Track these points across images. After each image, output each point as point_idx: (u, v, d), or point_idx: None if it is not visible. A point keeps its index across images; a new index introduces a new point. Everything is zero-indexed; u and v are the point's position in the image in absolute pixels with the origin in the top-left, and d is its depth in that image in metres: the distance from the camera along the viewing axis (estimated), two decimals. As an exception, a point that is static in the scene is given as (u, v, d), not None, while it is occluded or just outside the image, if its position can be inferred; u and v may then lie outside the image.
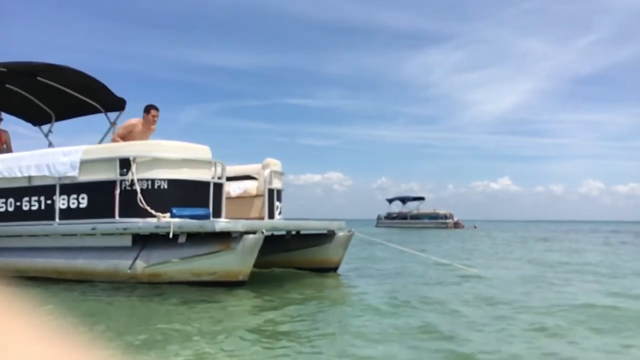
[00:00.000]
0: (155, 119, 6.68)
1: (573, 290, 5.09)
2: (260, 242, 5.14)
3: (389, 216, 42.50)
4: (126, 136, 6.56)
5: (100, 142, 7.63)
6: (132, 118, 6.80)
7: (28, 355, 0.53)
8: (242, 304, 4.39)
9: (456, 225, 38.31)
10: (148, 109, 6.69)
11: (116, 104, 7.61)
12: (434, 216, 39.53)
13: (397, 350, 2.75)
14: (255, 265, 5.28)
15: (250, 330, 3.22)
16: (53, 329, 0.59)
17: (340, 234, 6.79)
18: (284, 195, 7.19)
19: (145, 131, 6.68)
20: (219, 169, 5.91)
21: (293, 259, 6.82)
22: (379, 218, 43.34)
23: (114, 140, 6.58)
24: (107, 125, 7.77)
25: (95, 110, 7.84)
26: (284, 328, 3.35)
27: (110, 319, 3.69)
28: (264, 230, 5.17)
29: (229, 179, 6.61)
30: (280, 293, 4.82)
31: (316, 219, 8.30)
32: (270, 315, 3.76)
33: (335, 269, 6.67)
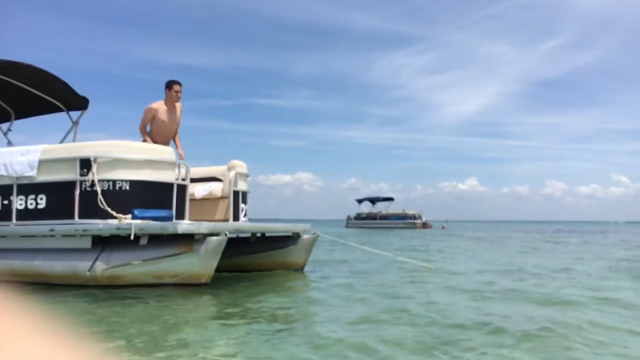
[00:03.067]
0: (179, 94, 6.29)
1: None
2: (224, 244, 5.13)
3: (359, 217, 42.78)
4: (152, 123, 6.25)
5: (62, 141, 7.47)
6: (152, 103, 6.27)
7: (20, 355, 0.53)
8: (204, 304, 4.39)
9: (424, 225, 38.85)
10: (170, 84, 6.26)
11: (79, 103, 7.46)
12: (402, 216, 39.99)
13: (355, 345, 2.80)
14: (219, 268, 5.27)
15: (212, 330, 3.22)
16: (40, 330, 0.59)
17: (305, 236, 6.83)
18: (249, 197, 7.19)
19: (171, 110, 6.30)
20: (182, 171, 5.87)
21: (258, 262, 6.81)
22: (348, 218, 43.59)
23: (142, 134, 6.25)
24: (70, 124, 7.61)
25: (57, 109, 7.66)
26: (245, 328, 3.36)
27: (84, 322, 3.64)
28: (227, 233, 5.16)
29: (194, 180, 6.57)
30: (241, 292, 4.83)
31: (286, 219, 8.38)
32: (233, 315, 3.77)
33: (300, 271, 6.72)
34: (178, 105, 6.39)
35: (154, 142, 6.24)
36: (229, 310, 4.07)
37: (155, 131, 6.32)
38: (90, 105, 7.49)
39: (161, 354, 2.70)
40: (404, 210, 41.01)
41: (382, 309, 4.03)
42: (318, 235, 7.02)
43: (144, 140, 6.22)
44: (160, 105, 6.26)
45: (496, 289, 5.12)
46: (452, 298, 4.60)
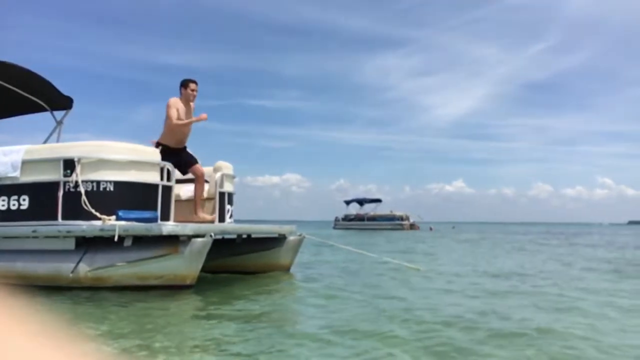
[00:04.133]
0: (195, 93, 6.18)
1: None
2: (209, 245, 5.11)
3: (347, 218, 42.83)
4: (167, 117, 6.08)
5: (46, 141, 7.40)
6: (172, 97, 6.14)
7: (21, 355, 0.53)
8: (188, 306, 4.37)
9: (412, 226, 39.03)
10: (186, 83, 6.14)
11: (63, 103, 7.39)
12: (390, 218, 40.12)
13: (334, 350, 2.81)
14: (205, 269, 5.25)
15: (196, 332, 3.22)
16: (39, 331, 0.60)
17: (291, 238, 6.84)
18: (235, 198, 7.18)
19: (187, 109, 6.15)
20: (167, 171, 5.84)
21: (243, 263, 6.80)
22: (336, 220, 43.61)
23: (178, 125, 6.03)
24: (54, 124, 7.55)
25: (40, 109, 7.58)
26: (230, 329, 3.36)
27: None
28: (212, 234, 5.15)
29: (180, 181, 6.55)
30: (226, 293, 4.82)
31: (274, 220, 8.40)
32: (217, 315, 3.77)
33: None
34: (192, 105, 6.24)
35: (169, 140, 6.07)
36: (214, 311, 4.07)
37: (172, 128, 6.07)
38: (74, 105, 7.43)
39: (144, 353, 2.69)
40: (391, 212, 41.15)
41: (366, 309, 4.05)
42: (304, 237, 7.02)
43: (181, 124, 5.98)
44: (178, 101, 6.10)
45: (484, 289, 5.16)
46: (439, 298, 4.64)
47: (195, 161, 6.35)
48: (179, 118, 6.04)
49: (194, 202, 6.36)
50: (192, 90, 6.14)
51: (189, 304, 4.51)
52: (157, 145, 6.07)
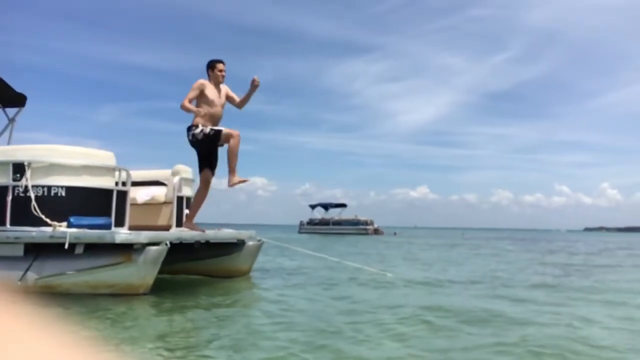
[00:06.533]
0: (223, 74, 5.73)
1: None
2: (164, 254, 5.03)
3: (312, 222, 42.85)
4: (198, 99, 5.58)
5: (-4, 142, 7.14)
6: (200, 79, 5.68)
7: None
8: (144, 310, 4.31)
9: (376, 231, 39.34)
10: (212, 64, 5.69)
11: (15, 100, 7.15)
12: (355, 222, 40.35)
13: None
14: (161, 271, 5.16)
15: (152, 338, 3.16)
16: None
17: (250, 243, 6.80)
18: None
19: (217, 91, 5.69)
20: (123, 176, 5.72)
21: (202, 268, 6.72)
22: (301, 224, 43.58)
23: (184, 107, 5.49)
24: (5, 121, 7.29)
25: (-9, 106, 7.31)
26: (183, 335, 3.31)
27: None
28: (167, 242, 5.06)
29: (137, 184, 6.42)
30: (181, 298, 4.75)
31: (240, 224, 8.29)
32: (172, 321, 3.72)
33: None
34: (223, 87, 5.78)
35: (205, 121, 5.62)
36: (168, 315, 4.00)
37: (204, 109, 5.60)
38: (32, 103, 7.22)
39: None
40: (356, 217, 41.40)
41: (322, 311, 4.05)
42: (263, 242, 6.99)
43: (189, 111, 5.53)
44: (207, 82, 5.66)
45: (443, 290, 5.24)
46: (402, 301, 4.68)
47: (214, 166, 5.95)
48: (211, 99, 5.60)
49: (191, 210, 6.10)
50: (220, 71, 5.69)
51: (143, 307, 4.42)
52: (196, 127, 5.61)
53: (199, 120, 5.60)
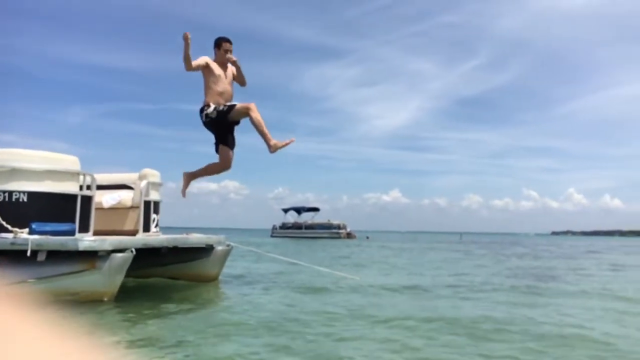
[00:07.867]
0: (230, 53, 5.23)
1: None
2: (129, 261, 4.96)
3: (284, 226, 42.73)
4: (206, 77, 5.11)
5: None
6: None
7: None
8: (108, 314, 4.24)
9: (349, 235, 39.48)
10: (219, 42, 5.20)
11: None
12: (327, 226, 40.41)
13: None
14: (127, 275, 5.07)
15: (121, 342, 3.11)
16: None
17: (219, 248, 6.75)
18: (162, 206, 6.98)
19: (223, 71, 5.21)
20: (87, 181, 5.61)
21: (170, 273, 6.65)
22: (274, 228, 43.42)
23: (186, 60, 4.85)
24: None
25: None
26: (146, 342, 3.27)
27: None
28: (133, 250, 4.98)
29: (103, 187, 6.30)
30: (146, 304, 4.69)
31: (212, 228, 8.21)
32: (135, 328, 3.67)
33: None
34: (230, 68, 5.30)
35: (217, 99, 5.11)
36: (131, 322, 3.94)
37: (213, 87, 5.15)
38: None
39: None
40: (329, 221, 41.46)
41: (287, 314, 4.07)
42: (232, 248, 6.95)
43: (190, 67, 4.93)
44: (211, 61, 5.17)
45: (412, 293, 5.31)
46: (375, 301, 4.71)
47: (233, 145, 5.32)
48: (218, 75, 5.15)
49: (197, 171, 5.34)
50: (227, 51, 5.23)
51: (109, 312, 4.35)
52: (208, 106, 5.11)
53: (209, 99, 5.16)
